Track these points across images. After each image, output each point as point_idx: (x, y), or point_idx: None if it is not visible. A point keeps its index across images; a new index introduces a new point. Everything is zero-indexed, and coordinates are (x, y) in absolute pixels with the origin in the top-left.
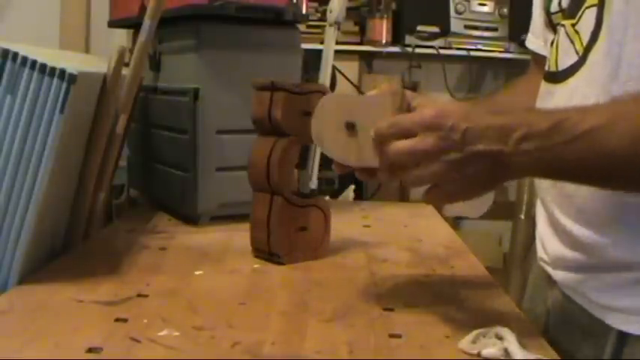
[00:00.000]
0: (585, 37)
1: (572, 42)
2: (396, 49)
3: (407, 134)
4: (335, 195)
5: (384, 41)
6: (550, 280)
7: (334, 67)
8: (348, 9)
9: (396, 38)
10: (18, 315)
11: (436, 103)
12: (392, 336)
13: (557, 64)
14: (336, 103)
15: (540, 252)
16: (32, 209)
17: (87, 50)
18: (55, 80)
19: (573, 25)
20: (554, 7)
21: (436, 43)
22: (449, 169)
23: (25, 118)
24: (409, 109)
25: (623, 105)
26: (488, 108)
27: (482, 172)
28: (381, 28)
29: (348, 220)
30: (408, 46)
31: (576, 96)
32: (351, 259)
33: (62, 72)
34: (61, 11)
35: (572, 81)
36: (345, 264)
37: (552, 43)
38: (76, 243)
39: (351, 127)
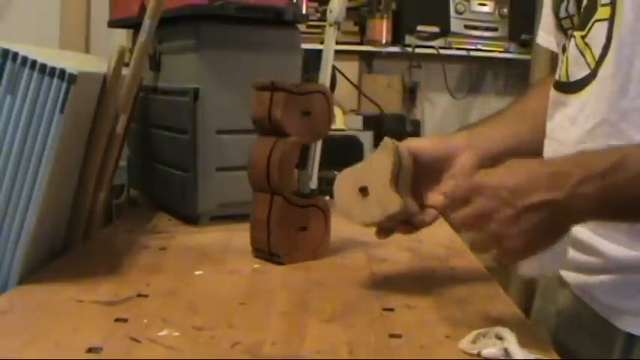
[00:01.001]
0: (596, 51)
1: (582, 54)
2: (396, 49)
3: (463, 203)
4: None
5: (384, 41)
6: (561, 281)
7: (334, 67)
8: (348, 9)
9: (396, 38)
10: (18, 315)
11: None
12: (392, 336)
13: (568, 75)
14: (345, 177)
15: None
16: (32, 209)
17: (87, 50)
18: (55, 80)
19: (583, 37)
20: (562, 13)
21: (436, 43)
22: (503, 228)
23: (25, 118)
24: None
25: None
26: (538, 161)
27: (540, 224)
28: (381, 28)
29: (348, 220)
30: (408, 46)
31: (586, 109)
32: (351, 259)
33: (62, 72)
34: (61, 11)
35: (582, 94)
36: (345, 264)
37: (563, 49)
38: (76, 243)
39: (364, 190)
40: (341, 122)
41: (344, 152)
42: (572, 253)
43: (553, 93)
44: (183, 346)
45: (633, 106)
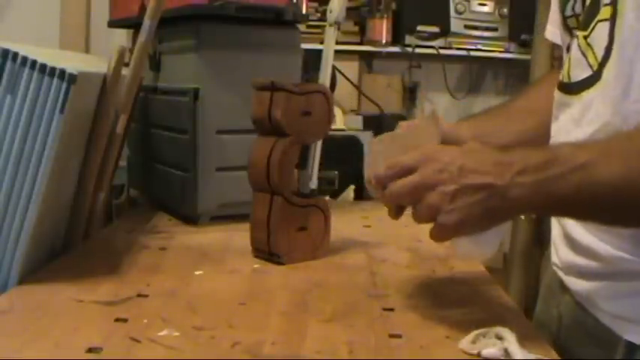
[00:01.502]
0: (599, 52)
1: (584, 55)
2: (396, 49)
3: (408, 172)
4: (335, 195)
5: (384, 41)
6: (562, 285)
7: (334, 67)
8: (348, 9)
9: (396, 38)
10: (18, 315)
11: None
12: (392, 336)
13: (570, 76)
14: (384, 143)
15: (553, 256)
16: (32, 209)
17: (87, 50)
18: (55, 80)
19: (585, 38)
20: (568, 11)
21: (436, 43)
22: (442, 200)
23: (25, 118)
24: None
25: (617, 142)
26: (489, 145)
27: (477, 205)
28: (381, 28)
29: (348, 220)
30: (408, 46)
31: (590, 111)
32: (351, 259)
33: (62, 72)
34: (61, 11)
35: (585, 95)
36: (345, 264)
37: (567, 48)
38: (76, 243)
39: None
40: (341, 122)
41: (344, 152)
42: (573, 257)
43: (557, 94)
44: (183, 346)
45: (636, 109)
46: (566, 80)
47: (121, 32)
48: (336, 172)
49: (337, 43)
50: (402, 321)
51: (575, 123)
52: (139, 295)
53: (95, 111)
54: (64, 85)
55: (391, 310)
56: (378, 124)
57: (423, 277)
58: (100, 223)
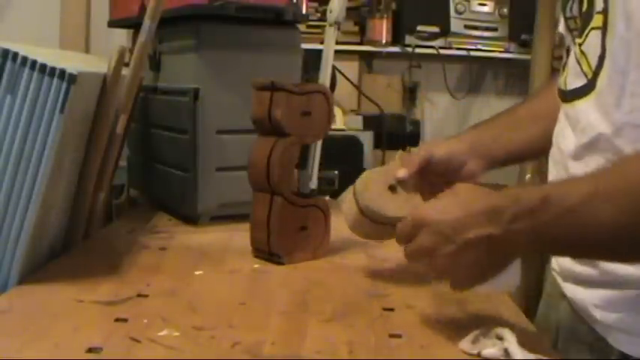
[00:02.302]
0: (592, 60)
1: (578, 62)
2: (396, 49)
3: (409, 240)
4: (335, 195)
5: (384, 41)
6: (561, 292)
7: (334, 67)
8: (348, 9)
9: (396, 38)
10: (18, 315)
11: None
12: (392, 336)
13: (566, 84)
14: (371, 178)
15: (553, 262)
16: (32, 209)
17: (87, 50)
18: (55, 80)
19: (580, 45)
20: (568, 12)
21: (436, 43)
22: (447, 262)
23: (25, 118)
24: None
25: (610, 180)
26: (477, 187)
27: (480, 259)
28: (381, 28)
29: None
30: (408, 46)
31: (582, 121)
32: (351, 259)
33: (62, 72)
34: (61, 11)
35: (578, 104)
36: (345, 264)
37: (567, 51)
38: (76, 243)
39: (393, 189)
40: (341, 122)
41: (344, 152)
42: (571, 264)
43: (558, 99)
44: (184, 346)
45: (628, 120)
46: (563, 87)
47: (121, 32)
48: (336, 172)
49: (337, 43)
50: (402, 321)
51: (570, 130)
52: (139, 295)
53: (95, 111)
54: (64, 85)
55: (391, 310)
56: (378, 124)
57: (423, 277)
58: (100, 223)
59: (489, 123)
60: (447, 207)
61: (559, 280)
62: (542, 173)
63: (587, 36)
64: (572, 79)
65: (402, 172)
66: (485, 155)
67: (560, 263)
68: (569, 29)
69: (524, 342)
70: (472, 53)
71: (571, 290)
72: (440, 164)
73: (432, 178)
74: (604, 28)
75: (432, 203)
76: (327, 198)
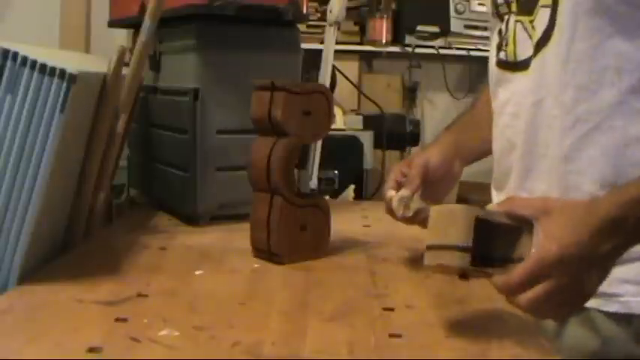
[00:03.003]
0: (541, 33)
1: (530, 37)
2: (396, 48)
3: (537, 281)
4: (335, 195)
5: (384, 41)
6: None
7: (334, 67)
8: (348, 9)
9: (396, 38)
10: (18, 315)
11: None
12: (392, 336)
13: (516, 55)
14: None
15: None
16: (32, 209)
17: (87, 50)
18: (55, 80)
19: (531, 22)
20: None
21: (436, 43)
22: (582, 287)
23: (25, 118)
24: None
25: None
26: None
27: (611, 265)
28: (381, 28)
29: (348, 220)
30: (408, 45)
31: (533, 84)
32: (351, 259)
33: (62, 72)
34: (61, 11)
35: (529, 72)
36: (345, 264)
37: (499, 31)
38: (76, 243)
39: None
40: (341, 122)
41: (344, 152)
42: None
43: (497, 71)
44: (184, 346)
45: (574, 82)
46: (510, 59)
47: (121, 32)
48: (336, 172)
49: (337, 43)
50: (402, 321)
51: (521, 95)
52: (139, 295)
53: (95, 111)
54: (64, 85)
55: (391, 310)
56: (378, 124)
57: (422, 277)
58: (100, 223)
59: (459, 125)
60: (564, 237)
61: None
62: None
63: (537, 13)
64: (522, 50)
65: (406, 192)
66: (466, 156)
67: None
68: (498, 14)
69: (525, 342)
70: (472, 53)
71: None
72: (438, 170)
73: (429, 186)
74: (554, 5)
75: (546, 232)
76: (327, 198)
